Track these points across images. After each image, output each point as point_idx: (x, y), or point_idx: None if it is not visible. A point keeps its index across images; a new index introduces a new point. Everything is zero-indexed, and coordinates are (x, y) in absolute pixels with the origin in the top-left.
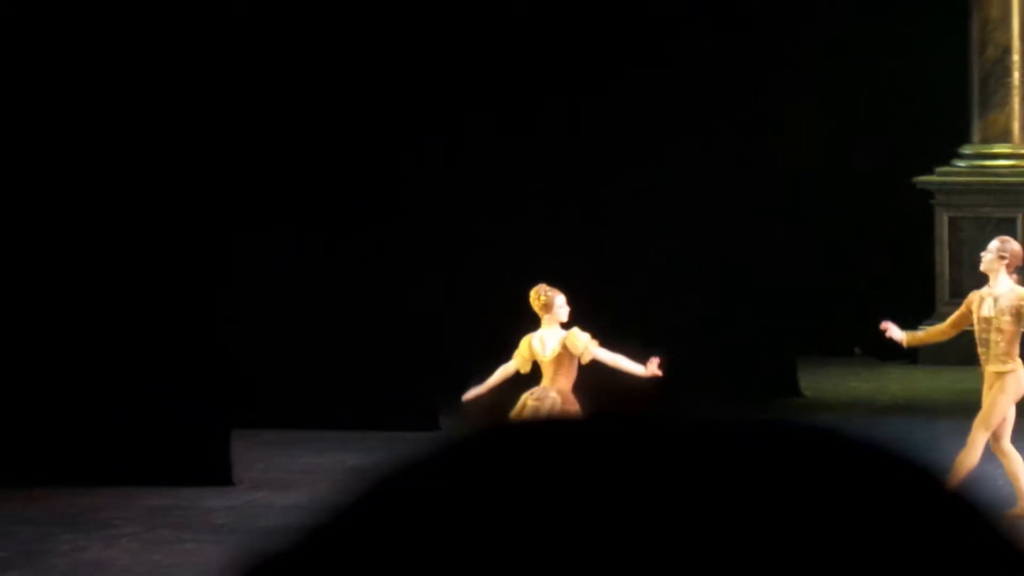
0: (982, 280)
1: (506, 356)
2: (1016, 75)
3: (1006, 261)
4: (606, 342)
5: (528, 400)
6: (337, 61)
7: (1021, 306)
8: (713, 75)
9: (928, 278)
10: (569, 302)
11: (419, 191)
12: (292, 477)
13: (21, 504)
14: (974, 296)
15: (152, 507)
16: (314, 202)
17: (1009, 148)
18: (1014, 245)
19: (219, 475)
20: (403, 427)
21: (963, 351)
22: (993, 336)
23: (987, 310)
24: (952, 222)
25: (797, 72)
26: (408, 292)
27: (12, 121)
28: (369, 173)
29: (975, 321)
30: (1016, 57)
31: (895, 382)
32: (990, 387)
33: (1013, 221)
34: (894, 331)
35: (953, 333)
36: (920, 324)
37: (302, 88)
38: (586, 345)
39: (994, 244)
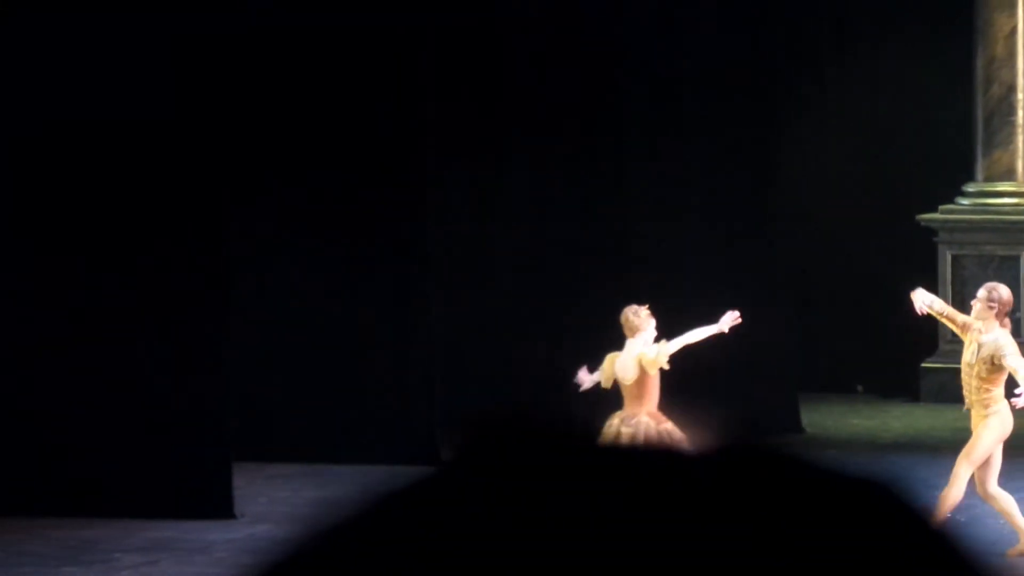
0: None
1: (514, 382)
2: (1021, 113)
3: (995, 310)
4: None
5: (621, 427)
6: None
7: (995, 357)
8: (718, 115)
9: (931, 316)
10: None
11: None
12: (295, 511)
13: (23, 536)
14: (972, 331)
15: (153, 539)
16: (316, 234)
17: (1013, 186)
18: (1002, 292)
19: (221, 508)
20: (405, 460)
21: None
22: (974, 382)
23: (971, 356)
24: (955, 260)
25: (802, 111)
26: (414, 324)
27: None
28: (367, 207)
29: (962, 362)
30: (1021, 95)
31: (897, 420)
32: (975, 428)
33: (1016, 259)
34: (922, 296)
35: (957, 325)
36: (923, 361)
37: (300, 120)
38: (657, 352)
39: (982, 293)
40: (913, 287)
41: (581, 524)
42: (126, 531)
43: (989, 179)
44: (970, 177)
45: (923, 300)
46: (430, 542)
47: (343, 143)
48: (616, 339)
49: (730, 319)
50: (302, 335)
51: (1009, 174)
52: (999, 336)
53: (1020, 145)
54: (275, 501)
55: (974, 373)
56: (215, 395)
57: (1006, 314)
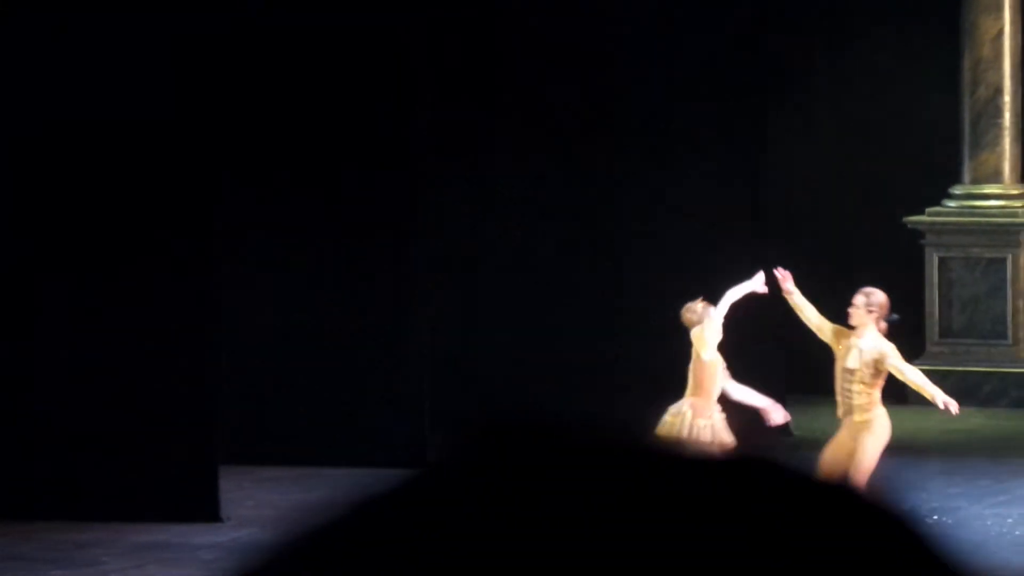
0: (972, 320)
1: (508, 383)
2: (1007, 116)
3: (874, 314)
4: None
5: (668, 417)
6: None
7: (878, 361)
8: (710, 116)
9: (918, 318)
10: None
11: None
12: (282, 515)
13: (12, 539)
14: (846, 340)
15: (141, 543)
16: (309, 234)
17: (1000, 189)
18: (879, 296)
19: (207, 512)
20: (395, 464)
21: (951, 392)
22: (855, 387)
23: (852, 362)
24: (942, 262)
25: (790, 113)
26: (406, 326)
27: None
28: (354, 208)
29: (837, 370)
30: (1007, 98)
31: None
32: (852, 436)
33: (1003, 261)
34: (790, 286)
35: (816, 327)
36: (910, 363)
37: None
38: (701, 327)
39: (860, 299)
40: (901, 290)
41: (569, 525)
42: (114, 534)
43: (976, 181)
44: (957, 179)
45: (790, 285)
46: (412, 544)
47: (338, 142)
48: (607, 337)
49: (760, 279)
50: (292, 338)
51: (996, 176)
52: (879, 341)
53: (1007, 147)
54: (262, 504)
55: (855, 379)
56: (203, 398)
57: (883, 318)
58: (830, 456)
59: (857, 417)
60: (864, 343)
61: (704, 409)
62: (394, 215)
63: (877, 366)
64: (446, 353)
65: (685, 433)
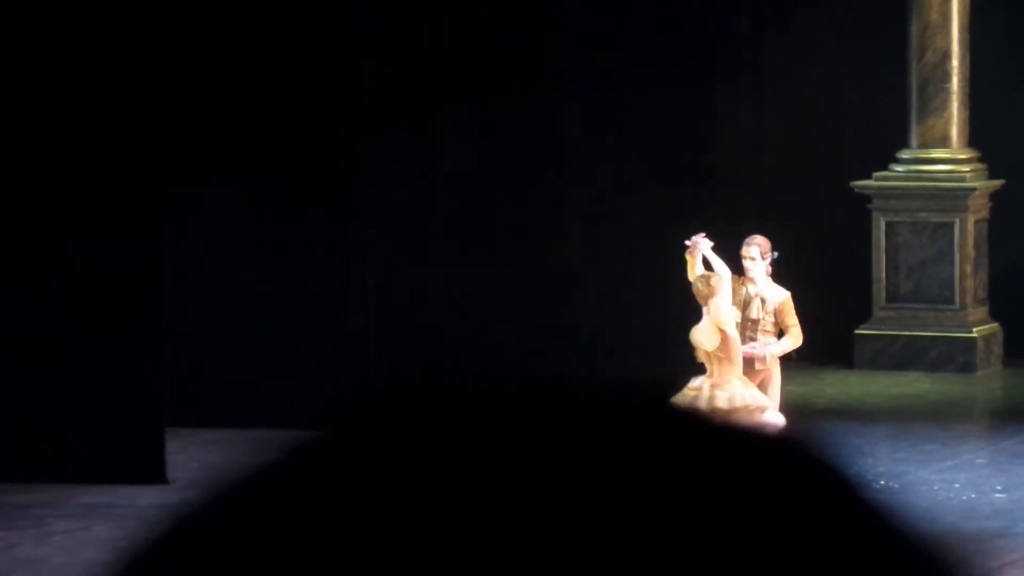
0: (919, 285)
1: (450, 348)
2: (955, 80)
3: (767, 260)
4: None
5: (687, 390)
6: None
7: (783, 307)
8: (655, 83)
9: (865, 283)
10: None
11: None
12: (226, 477)
13: None
14: (743, 290)
15: (86, 505)
16: (252, 196)
17: (947, 153)
18: (760, 240)
19: (153, 473)
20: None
21: (898, 356)
22: (761, 337)
23: (756, 312)
24: (890, 227)
25: (738, 79)
26: (349, 290)
27: None
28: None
29: (742, 320)
30: (955, 62)
31: (830, 387)
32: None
33: (951, 226)
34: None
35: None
36: (857, 328)
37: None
38: (716, 300)
39: (755, 250)
40: (848, 255)
41: (462, 489)
42: (59, 496)
43: (924, 146)
44: (904, 144)
45: (707, 246)
46: (309, 508)
47: (281, 106)
48: (555, 304)
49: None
50: (236, 299)
51: (943, 141)
52: (777, 288)
53: (955, 112)
54: (207, 466)
55: (760, 329)
56: (148, 360)
57: (769, 257)
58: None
59: (759, 366)
60: (767, 292)
61: (725, 379)
62: (338, 178)
63: (778, 314)
64: (392, 315)
65: (703, 404)
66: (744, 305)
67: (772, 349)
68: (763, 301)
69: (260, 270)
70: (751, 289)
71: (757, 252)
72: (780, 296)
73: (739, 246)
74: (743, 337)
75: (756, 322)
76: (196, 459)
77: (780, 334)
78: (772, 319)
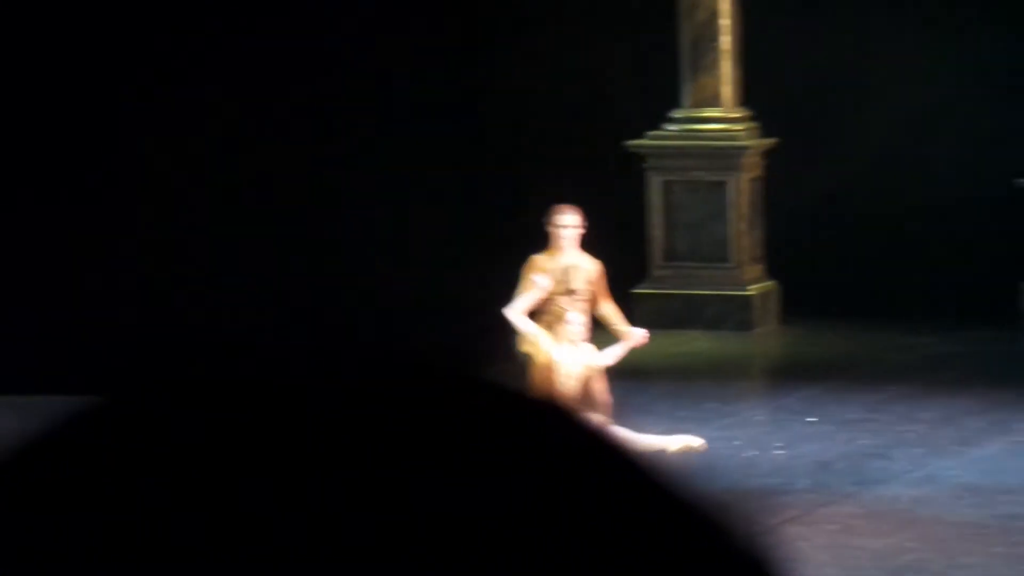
0: (695, 244)
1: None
2: (726, 39)
3: (580, 231)
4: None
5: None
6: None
7: (598, 275)
8: (424, 43)
9: (640, 241)
10: None
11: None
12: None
13: None
14: (553, 266)
15: None
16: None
17: (720, 112)
18: (572, 208)
19: None
20: None
21: (675, 315)
22: (580, 306)
23: (576, 283)
24: (665, 186)
25: (507, 41)
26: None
27: None
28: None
29: (561, 292)
30: (726, 21)
31: (608, 346)
32: (583, 365)
33: (723, 185)
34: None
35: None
36: (633, 287)
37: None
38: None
39: (570, 219)
40: (623, 215)
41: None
42: None
43: (696, 105)
44: (677, 104)
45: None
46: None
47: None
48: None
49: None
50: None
51: (715, 100)
52: (588, 257)
53: (727, 71)
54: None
55: (580, 299)
56: None
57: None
58: (573, 387)
59: (581, 341)
60: (583, 262)
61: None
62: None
63: (595, 283)
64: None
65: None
66: (562, 275)
67: (617, 352)
68: (582, 271)
69: (42, 232)
70: (565, 259)
71: (574, 219)
72: (594, 265)
73: (516, 212)
74: (563, 310)
75: (574, 292)
76: None
77: (594, 303)
78: (589, 290)
